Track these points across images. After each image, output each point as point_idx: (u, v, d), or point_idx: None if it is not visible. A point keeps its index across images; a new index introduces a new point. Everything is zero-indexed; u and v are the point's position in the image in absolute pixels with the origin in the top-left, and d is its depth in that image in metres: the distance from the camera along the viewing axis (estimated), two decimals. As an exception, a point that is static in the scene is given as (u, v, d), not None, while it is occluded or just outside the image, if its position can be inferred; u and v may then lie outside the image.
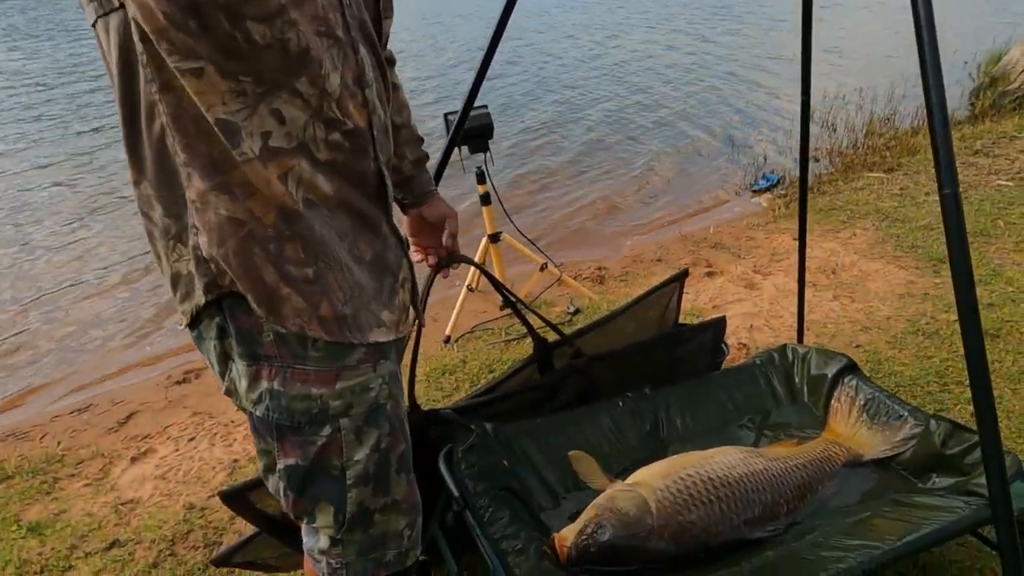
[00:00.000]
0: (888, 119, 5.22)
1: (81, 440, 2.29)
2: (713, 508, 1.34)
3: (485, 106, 2.56)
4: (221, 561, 1.43)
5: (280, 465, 0.97)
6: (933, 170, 3.31)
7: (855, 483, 1.47)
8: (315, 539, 1.06)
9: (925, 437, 1.46)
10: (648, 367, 1.72)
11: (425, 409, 1.52)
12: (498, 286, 1.56)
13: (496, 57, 1.57)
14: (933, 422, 1.46)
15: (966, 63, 6.23)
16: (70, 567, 1.70)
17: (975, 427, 1.46)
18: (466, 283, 2.85)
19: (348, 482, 0.98)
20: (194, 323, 0.93)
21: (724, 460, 1.43)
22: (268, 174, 0.84)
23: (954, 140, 3.87)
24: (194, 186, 0.83)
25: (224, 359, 0.94)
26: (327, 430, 0.94)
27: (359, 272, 0.95)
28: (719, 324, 1.78)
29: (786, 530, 1.36)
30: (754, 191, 4.19)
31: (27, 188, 5.00)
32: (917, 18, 0.86)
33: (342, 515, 0.99)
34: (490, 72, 1.60)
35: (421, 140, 1.22)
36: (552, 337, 1.66)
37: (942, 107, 0.85)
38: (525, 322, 1.61)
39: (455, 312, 2.76)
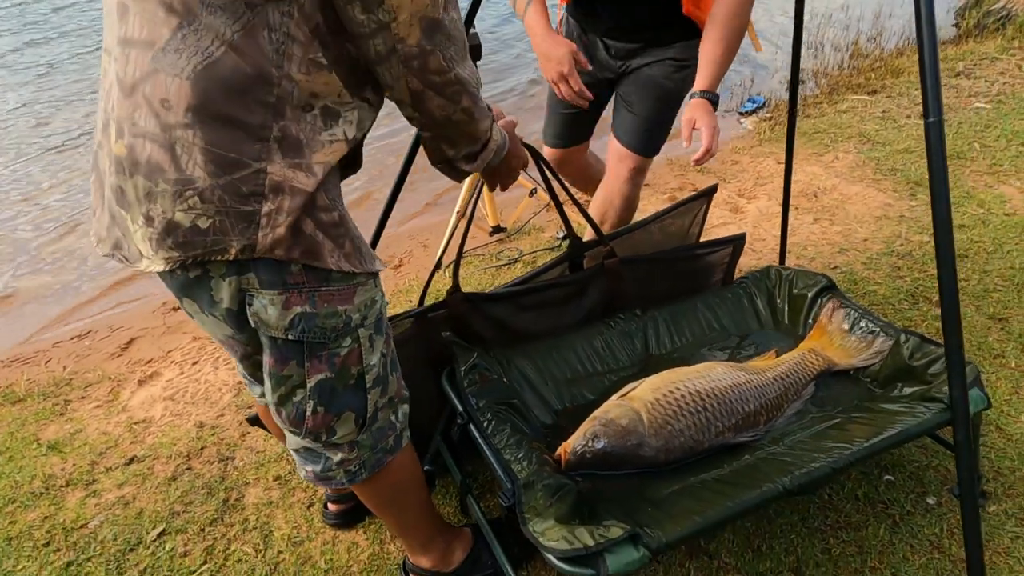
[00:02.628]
0: (874, 38, 5.18)
1: (86, 365, 2.35)
2: (699, 417, 1.46)
3: (472, 26, 2.50)
4: (254, 422, 1.51)
5: (311, 383, 1.05)
6: (916, 93, 3.35)
7: (830, 393, 1.60)
8: (325, 459, 1.16)
9: (894, 350, 1.58)
10: (672, 275, 1.86)
11: (466, 292, 1.63)
12: (549, 174, 1.62)
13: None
14: (903, 336, 1.57)
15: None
16: (94, 480, 1.80)
17: (941, 340, 1.59)
18: (456, 208, 2.88)
19: (368, 386, 1.10)
20: (189, 267, 0.94)
21: (710, 374, 1.54)
22: (343, 154, 0.95)
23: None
24: (276, 161, 0.89)
25: (239, 295, 0.97)
26: (348, 341, 1.05)
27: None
28: (740, 240, 1.91)
29: (766, 435, 1.49)
30: (741, 113, 4.19)
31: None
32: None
33: (362, 419, 1.12)
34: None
35: None
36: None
37: (932, 39, 0.89)
38: (564, 217, 1.71)
39: (446, 238, 2.79)
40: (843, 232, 2.74)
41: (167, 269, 0.93)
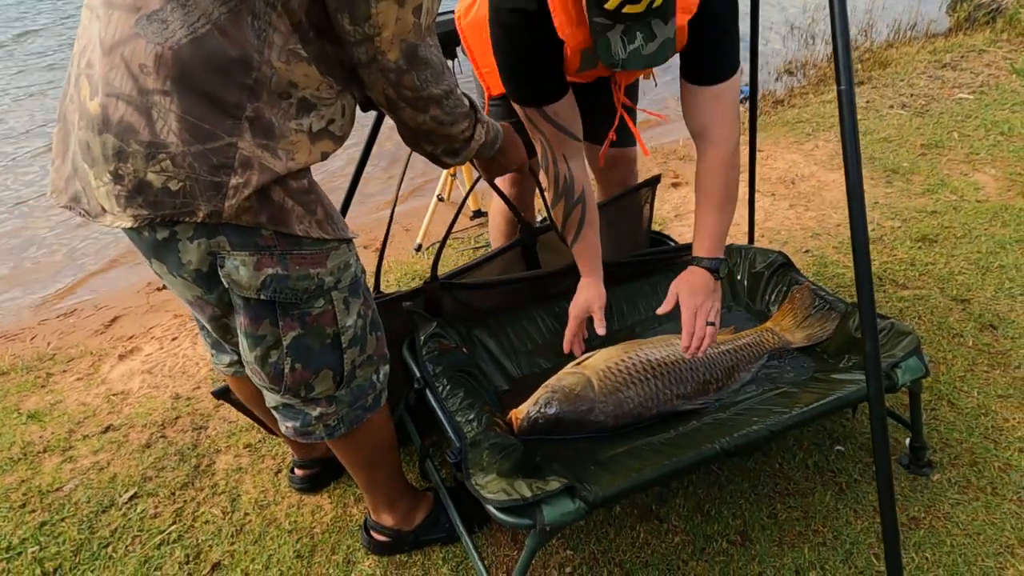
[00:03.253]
0: (865, 31, 5.20)
1: (70, 341, 2.41)
2: (649, 385, 1.50)
3: (452, 11, 2.54)
4: (220, 394, 1.54)
5: (286, 341, 1.10)
6: (901, 84, 3.36)
7: (785, 367, 1.64)
8: (304, 415, 1.21)
9: (843, 323, 1.62)
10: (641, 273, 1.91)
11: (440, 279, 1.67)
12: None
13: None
14: (849, 309, 1.61)
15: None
16: (70, 447, 1.86)
17: (889, 315, 1.62)
18: (436, 193, 2.94)
19: (344, 345, 1.15)
20: (157, 227, 0.97)
21: (662, 345, 1.59)
22: (312, 147, 1.00)
23: (924, 53, 3.90)
24: (246, 138, 0.93)
25: (208, 257, 1.00)
26: (321, 302, 1.10)
27: None
28: None
29: (715, 404, 1.53)
30: (725, 104, 4.22)
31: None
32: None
33: (340, 376, 1.17)
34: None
35: None
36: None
37: (843, 8, 0.94)
38: (511, 206, 1.75)
39: (425, 221, 2.85)
40: (817, 218, 2.78)
41: (135, 226, 0.95)
